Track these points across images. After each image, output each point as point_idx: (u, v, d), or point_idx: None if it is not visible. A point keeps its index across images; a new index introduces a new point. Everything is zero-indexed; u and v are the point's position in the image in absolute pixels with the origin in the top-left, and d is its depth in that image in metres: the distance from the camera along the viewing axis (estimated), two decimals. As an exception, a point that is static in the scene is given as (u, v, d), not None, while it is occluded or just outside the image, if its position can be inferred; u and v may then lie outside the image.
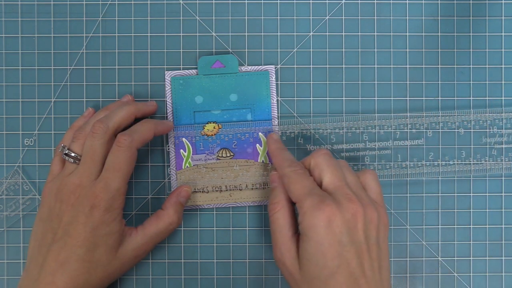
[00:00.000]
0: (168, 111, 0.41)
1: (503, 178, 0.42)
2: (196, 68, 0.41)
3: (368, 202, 0.33)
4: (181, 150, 0.41)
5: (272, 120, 0.41)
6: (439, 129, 0.42)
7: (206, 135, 0.40)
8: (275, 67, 0.41)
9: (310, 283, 0.32)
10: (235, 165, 0.41)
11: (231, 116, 0.41)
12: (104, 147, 0.35)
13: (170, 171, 0.41)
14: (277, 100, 0.41)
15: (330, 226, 0.32)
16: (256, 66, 0.41)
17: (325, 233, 0.32)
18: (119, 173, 0.35)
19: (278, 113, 0.41)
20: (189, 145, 0.41)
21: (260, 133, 0.41)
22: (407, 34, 0.42)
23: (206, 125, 0.41)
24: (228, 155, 0.41)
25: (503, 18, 0.42)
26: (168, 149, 0.41)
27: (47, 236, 0.35)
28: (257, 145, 0.41)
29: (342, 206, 0.32)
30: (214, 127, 0.40)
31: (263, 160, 0.41)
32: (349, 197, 0.33)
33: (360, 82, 0.42)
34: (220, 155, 0.41)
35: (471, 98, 0.42)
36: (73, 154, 0.36)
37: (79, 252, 0.34)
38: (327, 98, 0.42)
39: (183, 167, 0.41)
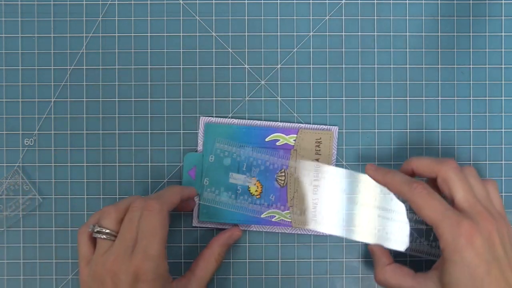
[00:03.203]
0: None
1: (503, 178, 0.42)
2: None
3: (498, 216, 0.34)
4: None
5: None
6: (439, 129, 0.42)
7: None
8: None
9: None
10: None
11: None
12: None
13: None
14: (277, 100, 0.41)
15: (474, 247, 0.32)
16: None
17: (470, 255, 0.32)
18: (156, 238, 0.33)
19: (278, 113, 0.41)
20: None
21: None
22: (407, 34, 0.42)
23: (250, 187, 0.40)
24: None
25: (503, 18, 0.42)
26: None
27: None
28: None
29: (479, 224, 0.32)
30: (257, 186, 0.40)
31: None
32: (483, 215, 0.33)
33: (360, 82, 0.42)
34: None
35: (471, 98, 0.42)
36: (106, 231, 0.34)
37: None
38: (327, 98, 0.42)
39: None
